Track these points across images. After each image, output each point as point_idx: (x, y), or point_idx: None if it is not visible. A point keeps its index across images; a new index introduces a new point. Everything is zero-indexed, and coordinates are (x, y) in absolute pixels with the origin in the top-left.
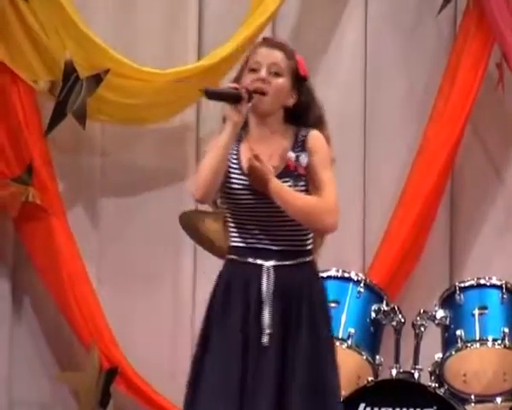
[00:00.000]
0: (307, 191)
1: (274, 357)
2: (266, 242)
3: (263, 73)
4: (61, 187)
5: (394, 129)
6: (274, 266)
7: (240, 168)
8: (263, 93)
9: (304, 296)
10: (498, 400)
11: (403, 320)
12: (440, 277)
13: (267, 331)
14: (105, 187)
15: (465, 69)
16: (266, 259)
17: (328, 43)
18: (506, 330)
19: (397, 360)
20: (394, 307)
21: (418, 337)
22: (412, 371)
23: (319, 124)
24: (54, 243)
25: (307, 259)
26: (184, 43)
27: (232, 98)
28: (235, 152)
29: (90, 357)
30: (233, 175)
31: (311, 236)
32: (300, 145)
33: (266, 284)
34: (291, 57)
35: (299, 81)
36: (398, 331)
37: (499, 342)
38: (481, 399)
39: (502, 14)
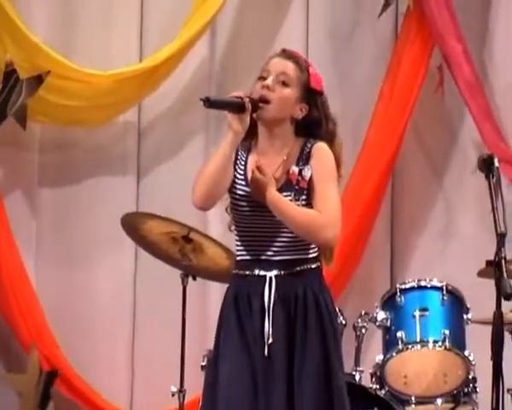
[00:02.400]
0: (309, 205)
1: (281, 368)
2: (268, 252)
3: (269, 80)
4: None
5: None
6: (276, 276)
7: (245, 179)
8: (266, 101)
9: (309, 304)
10: (439, 401)
11: (344, 322)
12: (381, 279)
13: (268, 342)
14: (44, 179)
15: (405, 72)
16: (268, 269)
17: (269, 48)
18: (446, 331)
19: None
20: (335, 310)
21: (359, 339)
22: (353, 372)
23: (330, 140)
24: None
25: (312, 266)
26: (126, 44)
27: (234, 107)
28: (243, 162)
29: (30, 359)
30: (237, 185)
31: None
32: (305, 158)
33: (268, 295)
34: (303, 69)
35: (311, 94)
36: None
37: (440, 343)
38: (422, 400)
39: (442, 17)
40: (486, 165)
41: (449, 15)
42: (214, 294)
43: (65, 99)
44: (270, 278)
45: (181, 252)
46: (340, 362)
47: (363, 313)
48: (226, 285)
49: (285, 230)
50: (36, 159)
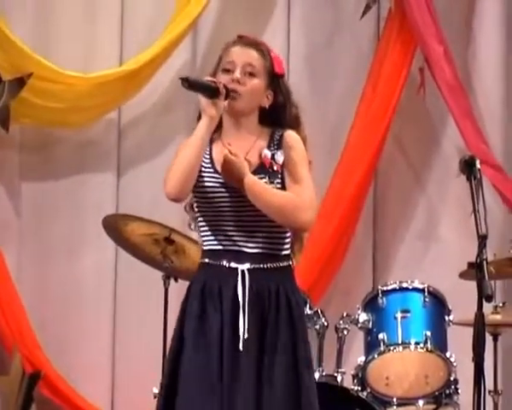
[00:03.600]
0: (283, 189)
1: (251, 363)
2: (241, 243)
3: (237, 74)
4: None
5: (317, 137)
6: (249, 270)
7: (213, 167)
8: (237, 95)
9: (281, 301)
10: (420, 403)
11: (326, 324)
12: (363, 281)
13: (243, 337)
14: (25, 176)
15: (387, 74)
16: (241, 262)
17: None
18: (428, 333)
19: (320, 364)
20: (317, 311)
21: (341, 341)
22: (335, 374)
23: (296, 125)
24: None
25: (284, 264)
26: (107, 48)
27: (210, 91)
28: (207, 152)
29: (12, 361)
30: (206, 174)
31: (288, 240)
32: (276, 144)
33: (241, 289)
34: (266, 56)
35: (275, 80)
36: (321, 335)
37: (421, 345)
38: (403, 402)
39: (423, 19)
40: (468, 166)
41: (430, 17)
42: None
43: (47, 101)
44: (243, 272)
45: (163, 254)
46: (309, 364)
47: (344, 314)
48: None
49: (260, 219)
50: (17, 156)
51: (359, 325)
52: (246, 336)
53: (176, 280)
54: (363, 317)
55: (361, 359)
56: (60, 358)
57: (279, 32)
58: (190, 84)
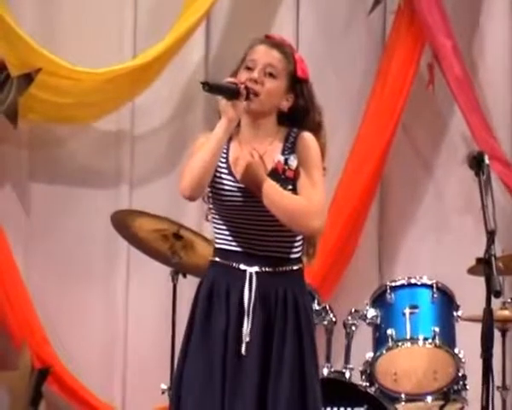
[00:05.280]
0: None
1: (254, 367)
2: (251, 245)
3: (255, 73)
4: None
5: (327, 129)
6: (257, 273)
7: (228, 168)
8: (255, 94)
9: (289, 305)
10: (429, 399)
11: (334, 320)
12: (372, 276)
13: (245, 340)
14: (36, 179)
15: (396, 70)
16: (250, 264)
17: None
18: (436, 329)
19: (328, 360)
20: (326, 307)
21: (349, 337)
22: (343, 370)
23: (316, 130)
24: None
25: (294, 267)
26: (118, 42)
27: (230, 93)
28: (224, 151)
29: (21, 356)
30: (222, 175)
31: (298, 244)
32: (290, 147)
33: (248, 292)
34: (289, 58)
35: (297, 83)
36: (329, 331)
37: (430, 341)
38: (412, 398)
39: (432, 14)
40: (476, 162)
41: (439, 12)
42: None
43: (55, 96)
44: (251, 274)
45: (171, 249)
46: (316, 368)
47: (353, 310)
48: None
49: (271, 223)
50: (26, 156)
51: (368, 321)
52: (247, 339)
53: (184, 276)
54: (371, 313)
55: (369, 354)
56: (69, 353)
57: (288, 27)
58: (211, 87)
